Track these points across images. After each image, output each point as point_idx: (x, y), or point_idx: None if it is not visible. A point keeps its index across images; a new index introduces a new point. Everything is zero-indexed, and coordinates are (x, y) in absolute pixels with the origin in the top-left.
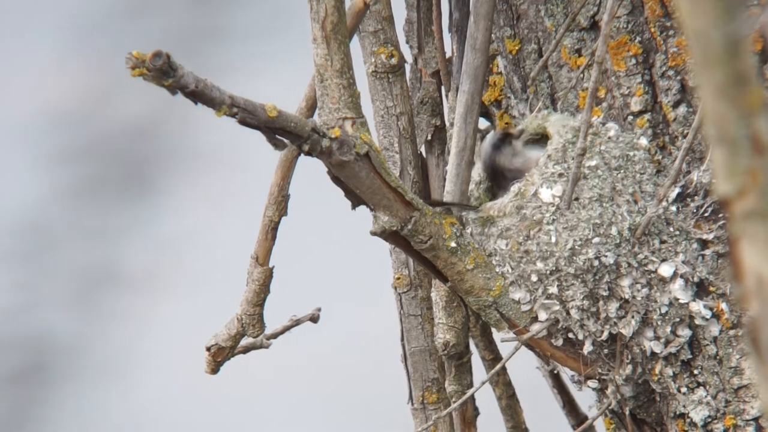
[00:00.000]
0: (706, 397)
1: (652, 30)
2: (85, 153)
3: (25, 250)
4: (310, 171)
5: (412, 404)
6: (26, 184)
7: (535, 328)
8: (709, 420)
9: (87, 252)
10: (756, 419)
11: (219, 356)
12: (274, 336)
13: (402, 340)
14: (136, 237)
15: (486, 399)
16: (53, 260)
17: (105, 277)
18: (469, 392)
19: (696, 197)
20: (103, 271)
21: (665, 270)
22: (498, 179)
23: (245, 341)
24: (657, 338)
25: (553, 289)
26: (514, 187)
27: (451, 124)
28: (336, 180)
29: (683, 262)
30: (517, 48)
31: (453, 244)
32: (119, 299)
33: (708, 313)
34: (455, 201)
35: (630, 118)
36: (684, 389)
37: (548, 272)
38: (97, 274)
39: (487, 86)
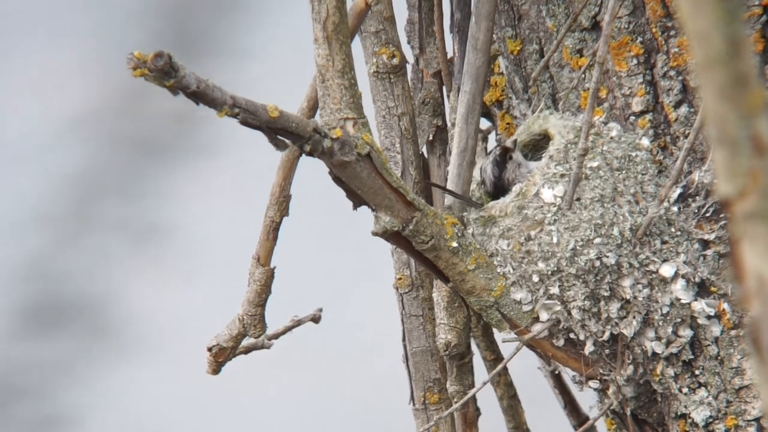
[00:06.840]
0: (707, 397)
1: (654, 30)
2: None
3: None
4: (312, 171)
5: (414, 404)
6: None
7: (537, 328)
8: (711, 420)
9: (93, 240)
10: (757, 419)
11: (220, 357)
12: (276, 336)
13: (403, 340)
14: (135, 234)
15: (487, 399)
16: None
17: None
18: (471, 392)
19: (697, 197)
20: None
21: (666, 270)
22: (503, 194)
23: (247, 342)
24: (658, 338)
25: (555, 290)
26: (516, 188)
27: (453, 125)
28: (337, 180)
29: (684, 262)
30: (518, 48)
31: (454, 245)
32: (120, 298)
33: (711, 311)
34: (456, 202)
35: (632, 118)
36: (685, 389)
37: (550, 272)
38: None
39: (488, 86)
